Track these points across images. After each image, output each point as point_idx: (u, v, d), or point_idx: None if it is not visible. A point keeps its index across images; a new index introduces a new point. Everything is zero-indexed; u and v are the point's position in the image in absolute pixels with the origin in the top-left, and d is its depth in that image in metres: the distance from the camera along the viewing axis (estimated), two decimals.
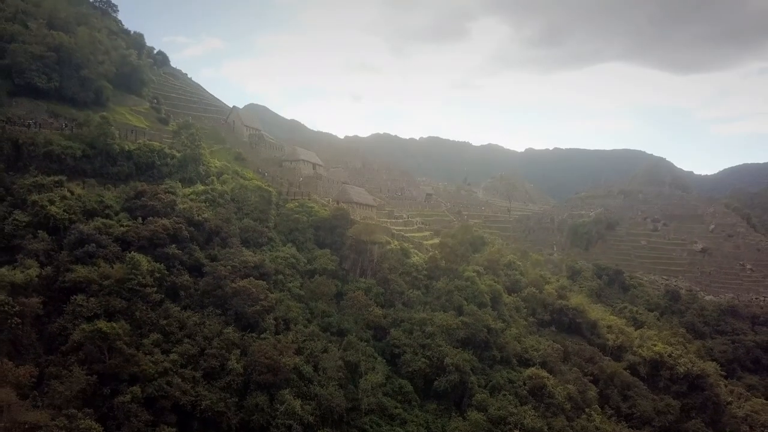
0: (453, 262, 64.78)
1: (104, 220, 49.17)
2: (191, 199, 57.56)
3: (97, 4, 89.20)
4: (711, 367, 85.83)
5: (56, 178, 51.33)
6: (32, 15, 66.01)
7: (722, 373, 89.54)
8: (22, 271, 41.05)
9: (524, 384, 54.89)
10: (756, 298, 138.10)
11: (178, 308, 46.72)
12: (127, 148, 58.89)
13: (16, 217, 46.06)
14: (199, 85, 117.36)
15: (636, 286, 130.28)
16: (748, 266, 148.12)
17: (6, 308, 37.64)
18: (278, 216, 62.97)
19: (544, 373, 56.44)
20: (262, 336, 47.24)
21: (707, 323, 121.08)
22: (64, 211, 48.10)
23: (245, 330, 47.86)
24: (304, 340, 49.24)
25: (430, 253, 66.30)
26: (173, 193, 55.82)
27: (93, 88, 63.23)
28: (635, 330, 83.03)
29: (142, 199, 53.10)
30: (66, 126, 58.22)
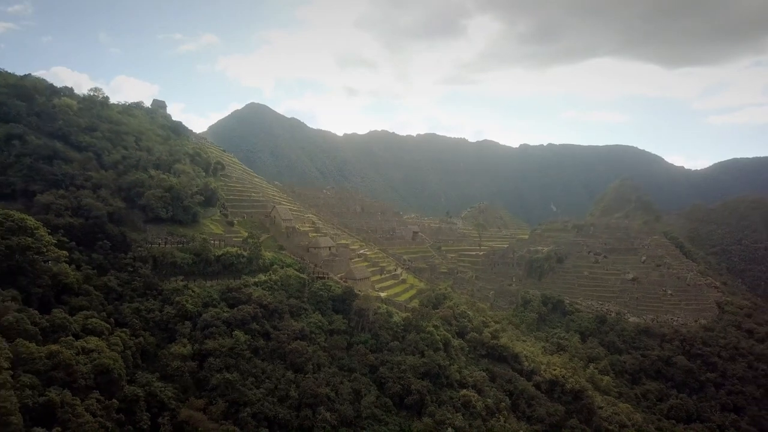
0: (420, 319, 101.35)
1: (215, 309, 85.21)
2: (260, 286, 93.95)
3: (171, 125, 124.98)
4: (606, 381, 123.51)
5: (183, 282, 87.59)
6: (149, 161, 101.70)
7: (613, 384, 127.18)
8: (183, 346, 77.55)
9: (459, 400, 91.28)
10: (671, 319, 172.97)
11: (260, 361, 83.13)
12: (217, 253, 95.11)
13: (168, 311, 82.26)
14: (244, 170, 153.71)
15: (573, 312, 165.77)
16: (669, 292, 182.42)
17: (182, 368, 74.23)
18: (309, 292, 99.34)
19: (473, 393, 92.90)
20: (306, 376, 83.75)
21: (625, 341, 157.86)
22: (193, 305, 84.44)
23: (297, 372, 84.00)
24: (330, 377, 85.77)
25: (405, 314, 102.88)
26: (248, 286, 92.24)
27: (191, 213, 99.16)
28: (550, 356, 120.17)
29: (232, 293, 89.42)
30: (179, 242, 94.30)
